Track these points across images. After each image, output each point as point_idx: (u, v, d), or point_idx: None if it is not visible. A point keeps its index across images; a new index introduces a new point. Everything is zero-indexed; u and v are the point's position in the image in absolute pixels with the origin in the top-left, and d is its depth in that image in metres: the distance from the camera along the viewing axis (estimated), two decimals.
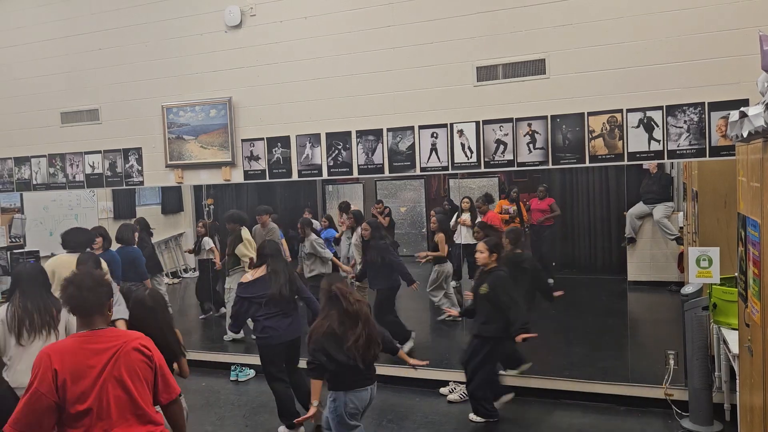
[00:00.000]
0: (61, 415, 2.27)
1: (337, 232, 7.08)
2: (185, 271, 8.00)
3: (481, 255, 4.58)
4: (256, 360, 5.03)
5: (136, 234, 6.45)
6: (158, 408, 2.51)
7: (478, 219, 6.34)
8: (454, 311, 5.44)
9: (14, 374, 3.45)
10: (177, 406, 2.51)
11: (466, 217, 6.46)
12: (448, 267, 6.40)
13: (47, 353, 2.32)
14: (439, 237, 6.26)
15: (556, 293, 5.25)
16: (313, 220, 7.06)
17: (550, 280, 6.03)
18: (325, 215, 7.02)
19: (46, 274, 3.78)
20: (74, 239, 4.86)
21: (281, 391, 4.53)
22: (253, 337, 4.69)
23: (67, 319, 3.56)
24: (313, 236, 6.49)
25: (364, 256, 6.05)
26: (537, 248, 6.52)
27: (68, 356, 2.31)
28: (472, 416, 4.71)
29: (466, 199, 6.35)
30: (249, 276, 4.61)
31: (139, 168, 6.36)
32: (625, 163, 4.69)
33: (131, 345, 2.38)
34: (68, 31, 6.57)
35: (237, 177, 5.97)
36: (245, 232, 6.50)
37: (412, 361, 3.96)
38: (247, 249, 6.39)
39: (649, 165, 5.49)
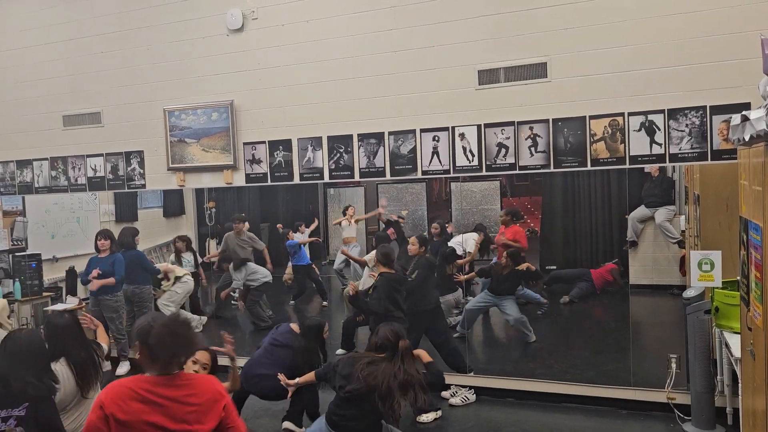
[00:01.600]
0: None
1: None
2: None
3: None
4: None
5: (137, 238, 6.47)
6: None
7: (501, 235, 6.24)
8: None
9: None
10: None
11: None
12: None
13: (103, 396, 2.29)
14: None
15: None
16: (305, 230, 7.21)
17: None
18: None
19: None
20: None
21: None
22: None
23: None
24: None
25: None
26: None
27: (124, 403, 2.25)
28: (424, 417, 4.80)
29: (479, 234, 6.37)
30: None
31: (141, 171, 6.37)
32: (627, 166, 4.69)
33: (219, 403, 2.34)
34: (70, 35, 6.59)
35: (239, 180, 5.98)
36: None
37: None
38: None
39: (651, 168, 5.48)
